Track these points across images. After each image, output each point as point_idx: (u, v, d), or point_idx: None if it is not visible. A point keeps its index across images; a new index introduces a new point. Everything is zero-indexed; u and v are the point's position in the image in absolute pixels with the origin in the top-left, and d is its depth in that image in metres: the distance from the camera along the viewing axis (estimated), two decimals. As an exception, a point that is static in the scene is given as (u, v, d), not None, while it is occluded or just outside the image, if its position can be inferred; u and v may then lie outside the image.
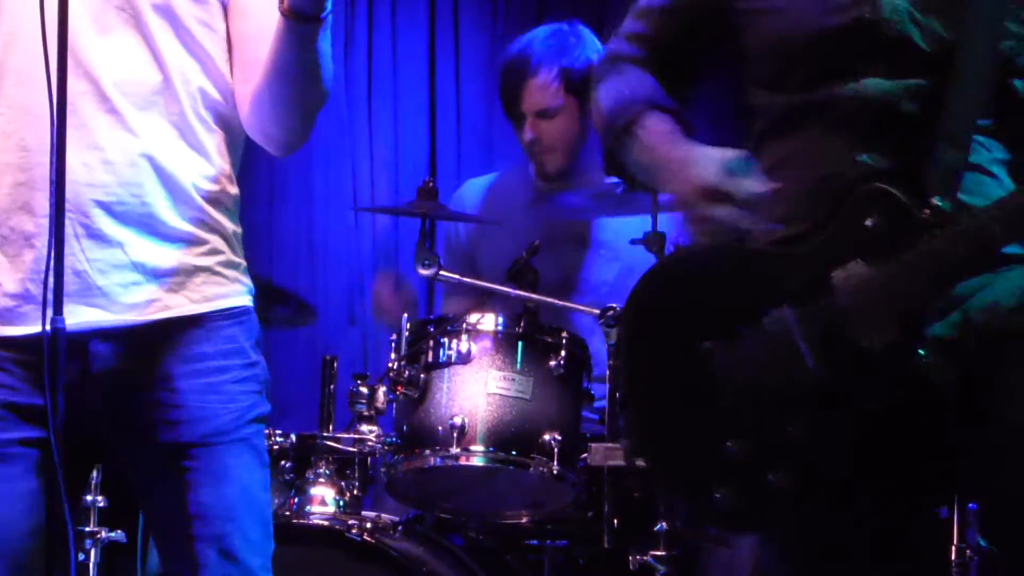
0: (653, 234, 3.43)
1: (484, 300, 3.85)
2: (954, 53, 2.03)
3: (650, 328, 2.24)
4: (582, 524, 3.44)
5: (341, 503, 3.42)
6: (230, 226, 2.32)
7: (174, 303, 2.24)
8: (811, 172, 2.10)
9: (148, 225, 2.22)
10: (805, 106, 2.11)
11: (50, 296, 2.00)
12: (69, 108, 2.06)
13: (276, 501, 3.43)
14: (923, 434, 2.05)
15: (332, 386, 3.59)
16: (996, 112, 2.08)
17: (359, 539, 3.23)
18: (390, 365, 3.39)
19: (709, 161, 2.09)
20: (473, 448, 3.26)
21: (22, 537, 2.19)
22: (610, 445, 3.27)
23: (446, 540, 3.43)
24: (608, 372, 3.37)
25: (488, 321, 3.37)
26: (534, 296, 3.54)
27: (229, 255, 2.31)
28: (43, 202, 2.16)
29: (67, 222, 2.11)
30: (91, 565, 3.54)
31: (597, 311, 3.43)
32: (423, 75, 5.29)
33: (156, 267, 2.23)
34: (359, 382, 3.47)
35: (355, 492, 3.44)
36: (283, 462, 3.46)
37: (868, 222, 2.00)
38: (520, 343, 3.36)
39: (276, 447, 3.44)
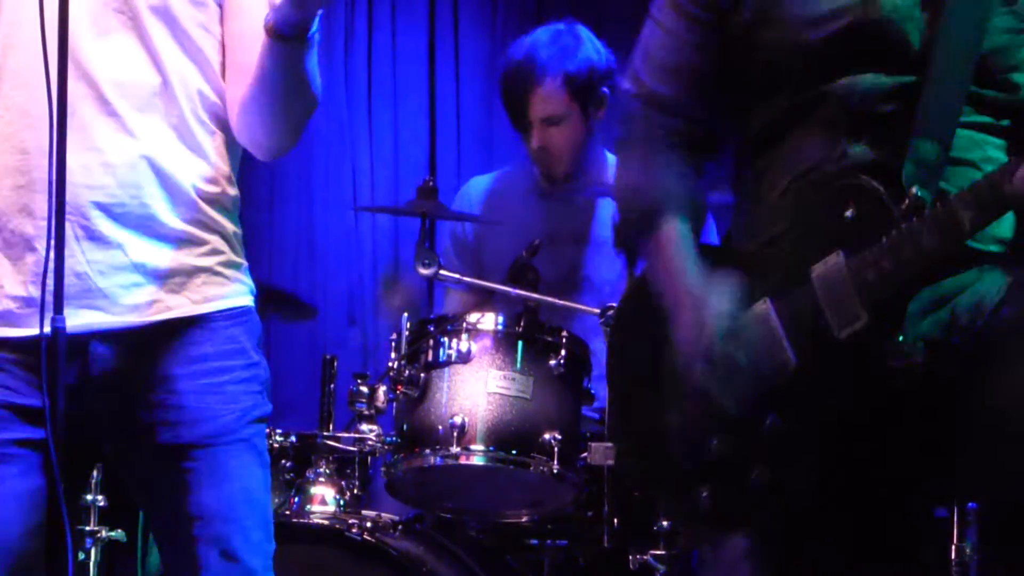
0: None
1: (487, 298, 3.86)
2: (932, 46, 2.03)
3: (636, 328, 2.25)
4: (582, 523, 3.44)
5: (341, 502, 3.42)
6: (230, 226, 2.32)
7: (175, 304, 2.24)
8: (796, 167, 2.11)
9: (148, 226, 2.23)
10: (798, 106, 2.11)
11: (49, 298, 2.00)
12: (68, 110, 2.07)
13: (276, 500, 3.43)
14: (905, 431, 2.05)
15: (332, 385, 3.60)
16: (993, 108, 2.08)
17: (359, 538, 3.23)
18: (390, 364, 3.39)
19: (708, 318, 2.07)
20: (473, 447, 3.26)
21: (21, 537, 2.19)
22: (610, 445, 3.27)
23: (446, 539, 3.43)
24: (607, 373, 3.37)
25: (488, 320, 3.37)
26: (535, 295, 3.54)
27: (230, 255, 2.31)
28: (43, 204, 2.16)
29: (67, 224, 2.11)
30: (91, 564, 3.54)
31: (598, 311, 3.43)
32: (423, 75, 5.29)
33: (156, 268, 2.23)
34: (359, 381, 3.47)
35: (355, 491, 3.45)
36: (283, 461, 3.46)
37: (847, 214, 2.01)
38: (520, 342, 3.36)
39: (276, 446, 3.45)
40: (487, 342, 3.35)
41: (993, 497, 2.04)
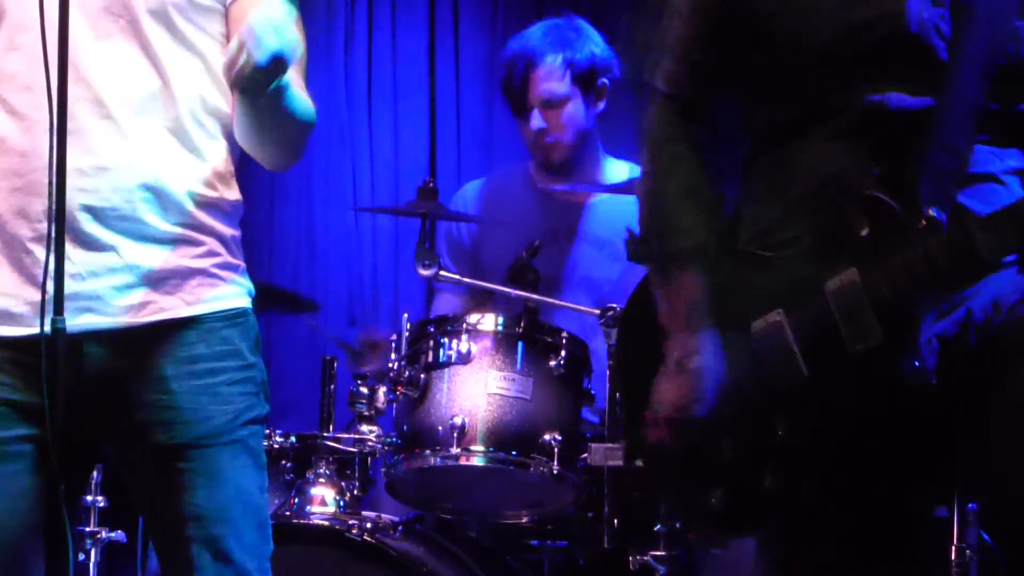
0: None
1: (481, 300, 3.86)
2: (951, 61, 2.03)
3: (646, 331, 2.24)
4: (582, 524, 3.44)
5: (341, 503, 3.42)
6: (227, 229, 2.32)
7: (168, 305, 2.24)
8: (812, 177, 2.10)
9: (142, 229, 2.23)
10: (813, 113, 2.10)
11: (48, 298, 2.01)
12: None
13: (276, 501, 3.43)
14: (917, 437, 2.05)
15: (332, 386, 3.59)
16: (1011, 123, 2.07)
17: (359, 539, 3.23)
18: (390, 365, 3.39)
19: (704, 387, 2.09)
20: (473, 448, 3.26)
21: (22, 535, 2.20)
22: (610, 445, 3.27)
23: (446, 540, 3.43)
24: (609, 372, 3.37)
25: (488, 321, 3.37)
26: (534, 296, 3.54)
27: (226, 257, 2.31)
28: (38, 207, 2.17)
29: None
30: (91, 565, 3.54)
31: (598, 311, 3.43)
32: (423, 75, 5.28)
33: (150, 270, 2.23)
34: (359, 382, 3.47)
35: (355, 492, 3.45)
36: (283, 462, 3.46)
37: (863, 231, 2.00)
38: (520, 343, 3.36)
39: (276, 447, 3.44)
40: (487, 343, 3.35)
41: (1002, 495, 2.03)
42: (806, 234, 2.07)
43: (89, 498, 3.53)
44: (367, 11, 5.27)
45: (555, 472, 3.26)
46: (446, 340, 3.35)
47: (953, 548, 2.98)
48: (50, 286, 2.01)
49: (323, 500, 3.42)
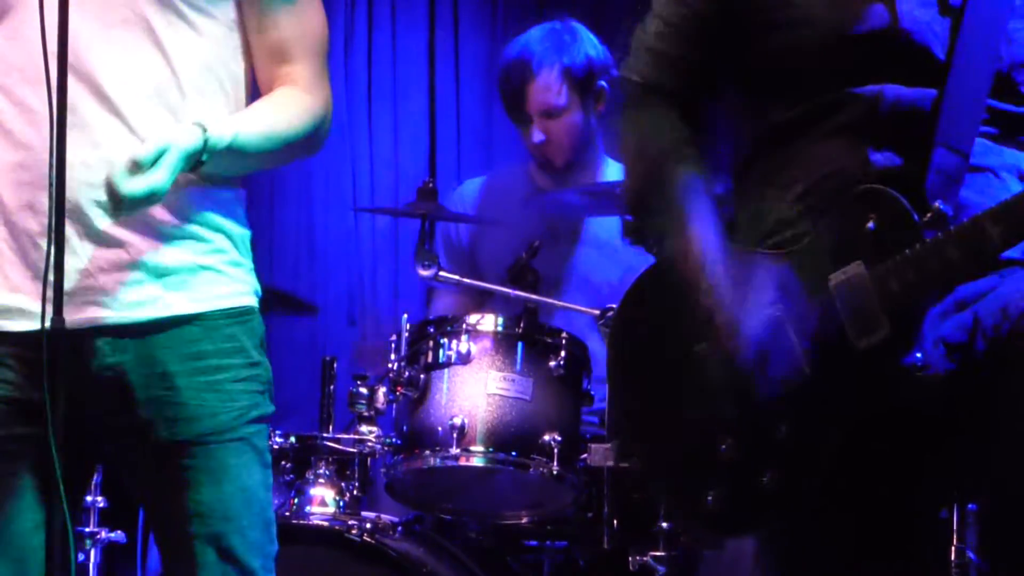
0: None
1: (478, 300, 3.86)
2: (954, 56, 2.03)
3: (642, 330, 2.24)
4: (582, 525, 3.44)
5: (341, 504, 3.41)
6: (235, 225, 2.32)
7: (175, 301, 2.24)
8: (815, 173, 2.10)
9: (150, 224, 2.22)
10: (816, 108, 2.10)
11: (49, 293, 2.01)
12: (69, 107, 2.07)
13: (276, 502, 3.42)
14: (920, 435, 2.05)
15: (332, 387, 3.59)
16: (1011, 118, 2.07)
17: (359, 540, 3.23)
18: (390, 366, 3.39)
19: (751, 321, 2.04)
20: (473, 449, 3.26)
21: (23, 532, 2.20)
22: (610, 446, 3.27)
23: (446, 541, 3.43)
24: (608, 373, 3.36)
25: (488, 322, 3.37)
26: (533, 297, 3.54)
27: (233, 254, 2.31)
28: (46, 201, 2.16)
29: (68, 221, 2.12)
30: (91, 565, 3.54)
31: (597, 312, 3.43)
32: (423, 75, 5.29)
33: (158, 265, 2.23)
34: (359, 383, 3.47)
35: (355, 493, 3.44)
36: (283, 463, 3.46)
37: (869, 225, 2.00)
38: (520, 344, 3.36)
39: (276, 448, 3.44)
40: (487, 343, 3.35)
41: (1004, 499, 2.03)
42: (810, 230, 2.07)
43: (89, 498, 3.54)
44: (367, 11, 5.27)
45: (555, 473, 3.26)
46: (446, 340, 3.35)
47: (953, 548, 2.99)
48: (56, 284, 2.01)
49: (323, 501, 3.41)
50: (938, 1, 2.07)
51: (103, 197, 2.17)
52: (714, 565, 3.39)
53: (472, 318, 3.38)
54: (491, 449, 3.26)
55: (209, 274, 2.27)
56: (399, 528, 3.38)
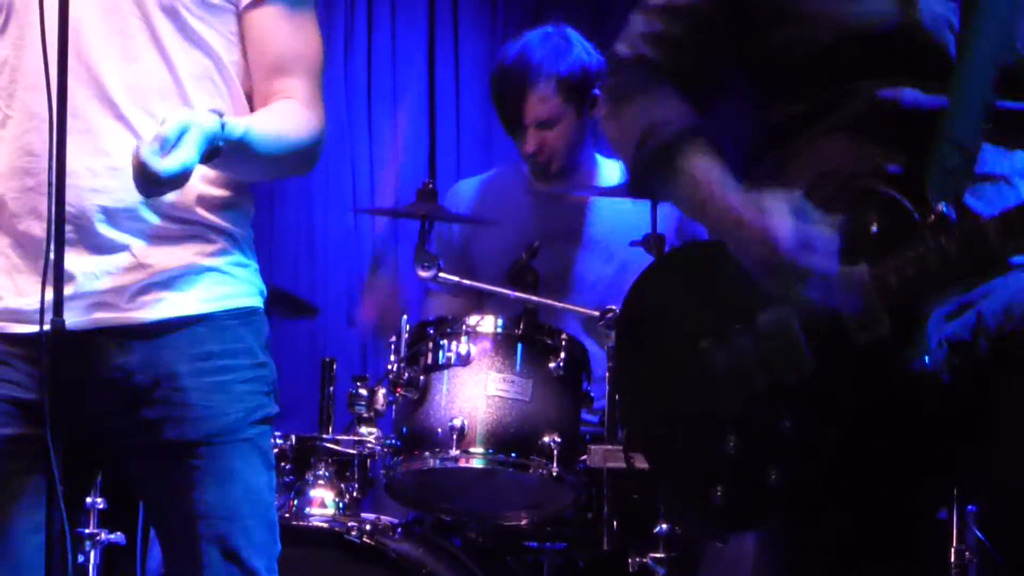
0: (652, 236, 3.43)
1: (475, 301, 3.86)
2: (961, 57, 2.02)
3: (646, 327, 2.24)
4: (581, 526, 3.44)
5: (341, 505, 3.42)
6: (239, 227, 2.32)
7: (181, 302, 2.25)
8: (820, 171, 2.08)
9: (155, 228, 2.23)
10: (823, 107, 2.09)
11: (49, 295, 2.01)
12: (74, 113, 2.08)
13: (276, 503, 3.42)
14: (923, 435, 2.05)
15: (332, 388, 3.59)
16: (1020, 121, 2.07)
17: (359, 541, 3.23)
18: (390, 367, 3.39)
19: (780, 220, 1.97)
20: (473, 450, 3.26)
21: (23, 533, 2.20)
22: (610, 447, 3.28)
23: (446, 542, 3.43)
24: (608, 374, 3.37)
25: (487, 323, 3.37)
26: (532, 297, 3.54)
27: (239, 255, 2.32)
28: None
29: (72, 228, 2.12)
30: (90, 567, 3.54)
31: (596, 312, 3.43)
32: (423, 75, 5.29)
33: (164, 268, 2.24)
34: (359, 384, 3.47)
35: (355, 494, 3.44)
36: (283, 464, 3.46)
37: (873, 227, 2.00)
38: (519, 345, 3.36)
39: (276, 449, 3.44)
40: (487, 344, 3.35)
41: (1004, 500, 2.03)
42: None
43: (89, 500, 3.53)
44: (366, 12, 5.27)
45: (554, 474, 3.26)
46: (445, 342, 3.35)
47: (953, 549, 2.99)
48: (56, 284, 2.02)
49: (322, 502, 3.42)
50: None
51: (110, 204, 2.18)
52: (714, 566, 3.39)
53: (472, 319, 3.38)
54: (491, 450, 3.26)
55: (215, 275, 2.28)
56: (399, 529, 3.38)
